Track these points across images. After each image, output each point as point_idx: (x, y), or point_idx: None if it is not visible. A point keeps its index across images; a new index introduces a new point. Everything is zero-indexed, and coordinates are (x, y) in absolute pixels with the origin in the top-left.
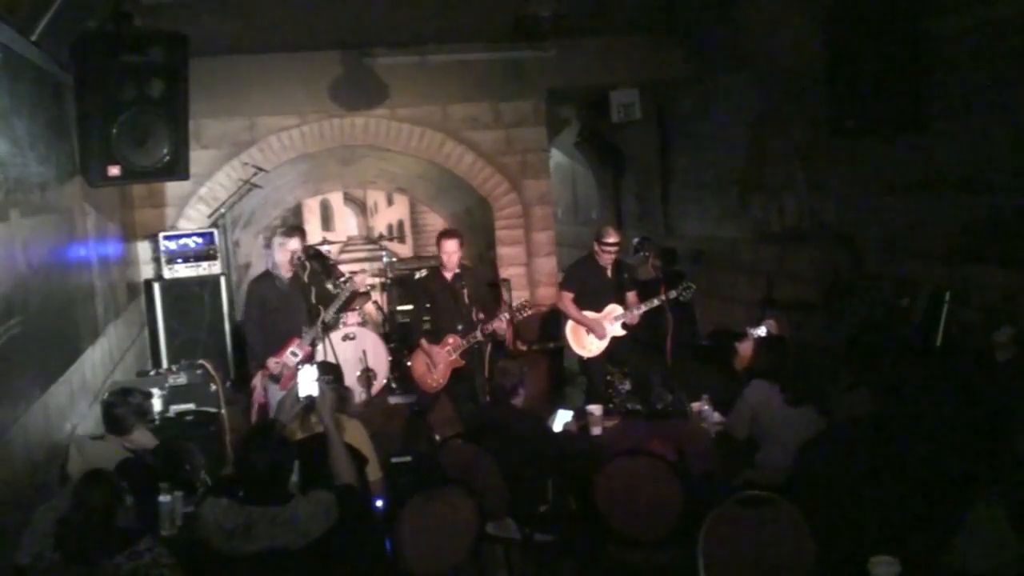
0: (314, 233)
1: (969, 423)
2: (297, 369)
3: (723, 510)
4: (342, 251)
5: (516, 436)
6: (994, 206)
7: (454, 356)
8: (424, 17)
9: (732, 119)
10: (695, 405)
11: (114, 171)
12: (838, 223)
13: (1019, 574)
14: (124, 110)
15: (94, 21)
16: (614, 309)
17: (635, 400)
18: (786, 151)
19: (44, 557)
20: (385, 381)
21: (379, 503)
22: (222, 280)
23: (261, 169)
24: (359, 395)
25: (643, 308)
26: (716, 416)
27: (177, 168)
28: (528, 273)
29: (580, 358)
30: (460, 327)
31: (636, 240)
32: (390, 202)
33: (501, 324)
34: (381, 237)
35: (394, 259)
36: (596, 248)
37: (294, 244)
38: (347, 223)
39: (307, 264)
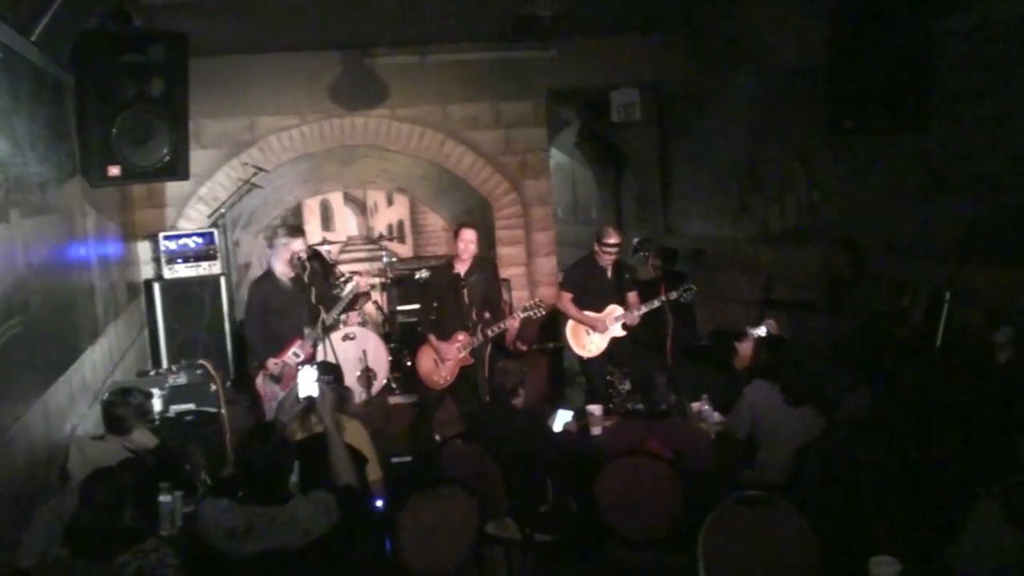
0: (314, 233)
1: (969, 423)
2: (298, 370)
3: (723, 510)
4: (342, 251)
5: (516, 436)
6: (994, 206)
7: (464, 353)
8: (424, 17)
9: (732, 119)
10: (695, 405)
11: (114, 171)
12: (838, 223)
13: (1019, 574)
14: (124, 110)
15: (94, 21)
16: (614, 310)
17: (635, 400)
18: (786, 151)
19: (50, 553)
20: (385, 381)
21: (379, 503)
22: (222, 280)
23: (261, 169)
24: (359, 395)
25: (643, 309)
26: (716, 416)
27: (177, 168)
28: (528, 273)
29: (580, 358)
30: (465, 325)
31: (636, 240)
32: (390, 202)
33: (515, 323)
34: (381, 237)
35: (394, 259)
36: (597, 248)
37: (298, 245)
38: (347, 223)
39: (307, 264)
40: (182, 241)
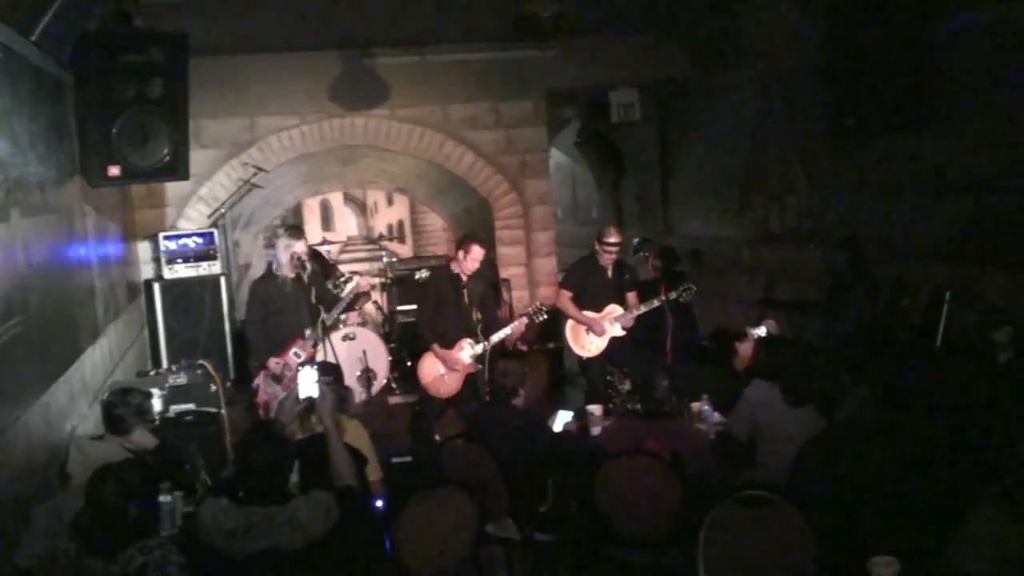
0: (314, 233)
1: (969, 423)
2: (299, 370)
3: (723, 510)
4: (342, 251)
5: (516, 436)
6: (994, 206)
7: (470, 360)
8: (424, 17)
9: (732, 119)
10: (695, 405)
11: (114, 171)
12: (838, 223)
13: (1019, 574)
14: (124, 110)
15: (94, 21)
16: (614, 309)
17: (635, 400)
18: (786, 151)
19: (58, 547)
20: (385, 381)
21: (379, 503)
22: (222, 280)
23: (261, 169)
24: (359, 395)
25: (642, 309)
26: (716, 416)
27: (177, 168)
28: (528, 273)
29: (580, 358)
30: (467, 330)
31: (636, 240)
32: (390, 202)
33: (520, 327)
34: (381, 237)
35: (394, 259)
36: (597, 248)
37: (299, 247)
38: (347, 223)
39: (307, 264)
40: (182, 241)
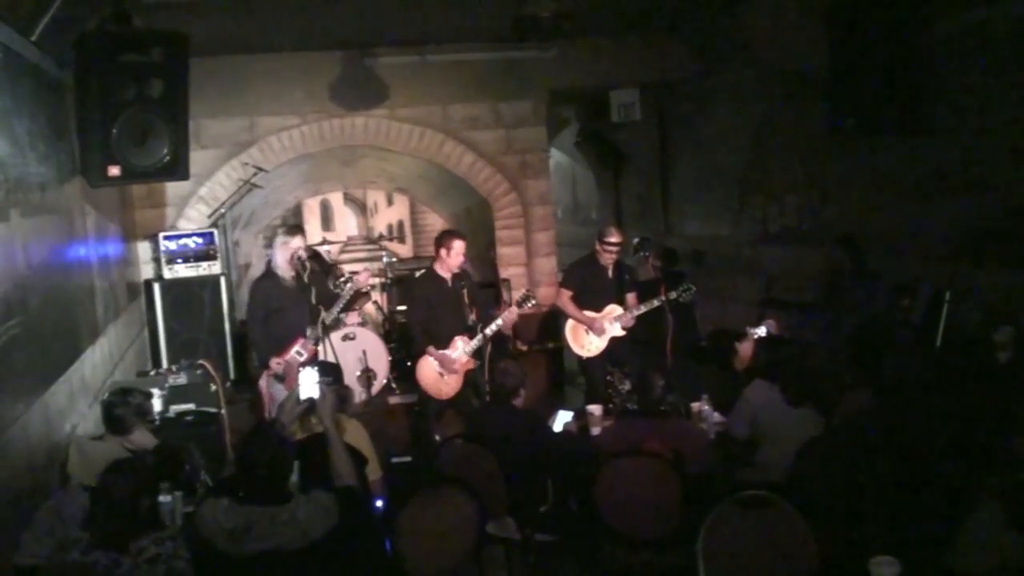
0: (314, 233)
1: (969, 423)
2: (301, 368)
3: (723, 510)
4: (342, 251)
5: (516, 436)
6: (994, 206)
7: (467, 357)
8: (424, 17)
9: (732, 119)
10: (695, 405)
11: (114, 171)
12: (838, 223)
13: (1019, 574)
14: (124, 110)
15: (94, 21)
16: (613, 309)
17: (635, 400)
18: (787, 151)
19: (68, 538)
20: (385, 381)
21: (379, 503)
22: (222, 280)
23: (261, 169)
24: (359, 395)
25: (642, 309)
26: (716, 416)
27: (177, 168)
28: (528, 273)
29: (579, 358)
30: (463, 329)
31: (636, 240)
32: (390, 202)
33: (511, 317)
34: (381, 237)
35: (394, 259)
36: (598, 247)
37: (296, 243)
38: (347, 223)
39: (307, 264)
40: (182, 241)
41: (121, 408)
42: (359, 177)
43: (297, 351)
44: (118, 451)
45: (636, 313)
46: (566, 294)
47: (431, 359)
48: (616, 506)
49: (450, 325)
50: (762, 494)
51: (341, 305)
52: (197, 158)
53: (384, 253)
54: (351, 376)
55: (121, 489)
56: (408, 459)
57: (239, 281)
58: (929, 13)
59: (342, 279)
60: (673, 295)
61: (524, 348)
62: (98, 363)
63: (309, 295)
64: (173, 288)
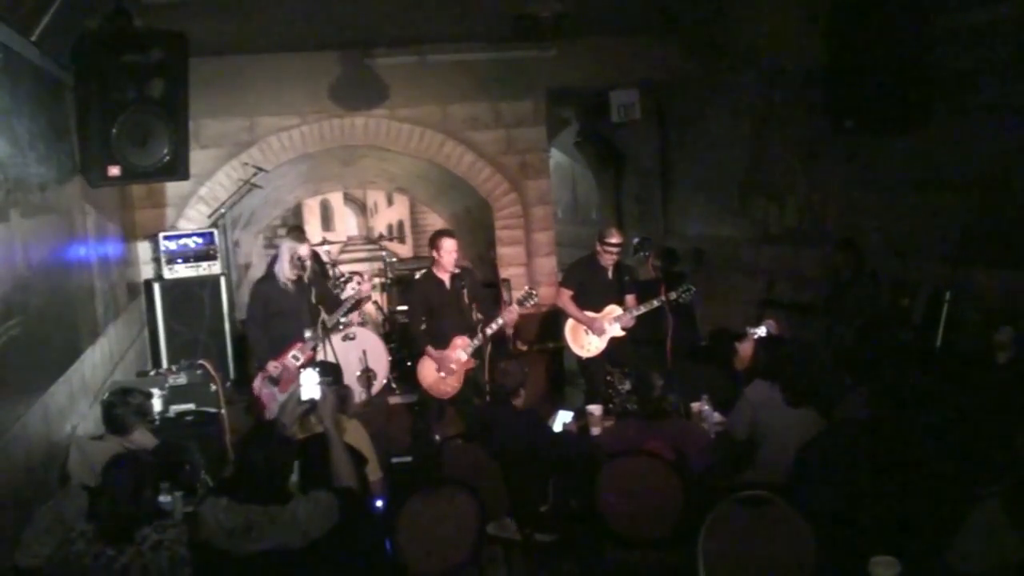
0: (314, 233)
1: (969, 423)
2: (298, 372)
3: (723, 510)
4: (342, 251)
5: (516, 436)
6: (994, 206)
7: (466, 357)
8: (424, 17)
9: (732, 119)
10: (695, 405)
11: (114, 171)
12: (838, 223)
13: (1019, 574)
14: (124, 110)
15: (94, 21)
16: (613, 310)
17: (635, 400)
18: (786, 151)
19: (75, 530)
20: (385, 381)
21: (379, 503)
22: (222, 280)
23: (261, 169)
24: (359, 395)
25: (641, 309)
26: (716, 416)
27: (177, 168)
28: (528, 273)
29: (579, 358)
30: (464, 328)
31: (636, 240)
32: (390, 202)
33: (512, 316)
34: (381, 237)
35: (394, 259)
36: (599, 248)
37: (303, 250)
38: (347, 223)
39: (307, 264)
40: (182, 241)
41: (121, 408)
42: (359, 177)
43: (294, 355)
44: (118, 451)
45: (636, 313)
46: (566, 293)
47: (430, 360)
48: (616, 506)
49: (449, 325)
50: (762, 494)
51: (343, 311)
52: (197, 158)
53: (384, 253)
54: (351, 376)
55: (123, 482)
56: (408, 459)
57: (239, 281)
58: (928, 12)
59: (342, 279)
60: (673, 295)
61: (524, 348)
62: (98, 363)
63: (309, 296)
64: (173, 288)
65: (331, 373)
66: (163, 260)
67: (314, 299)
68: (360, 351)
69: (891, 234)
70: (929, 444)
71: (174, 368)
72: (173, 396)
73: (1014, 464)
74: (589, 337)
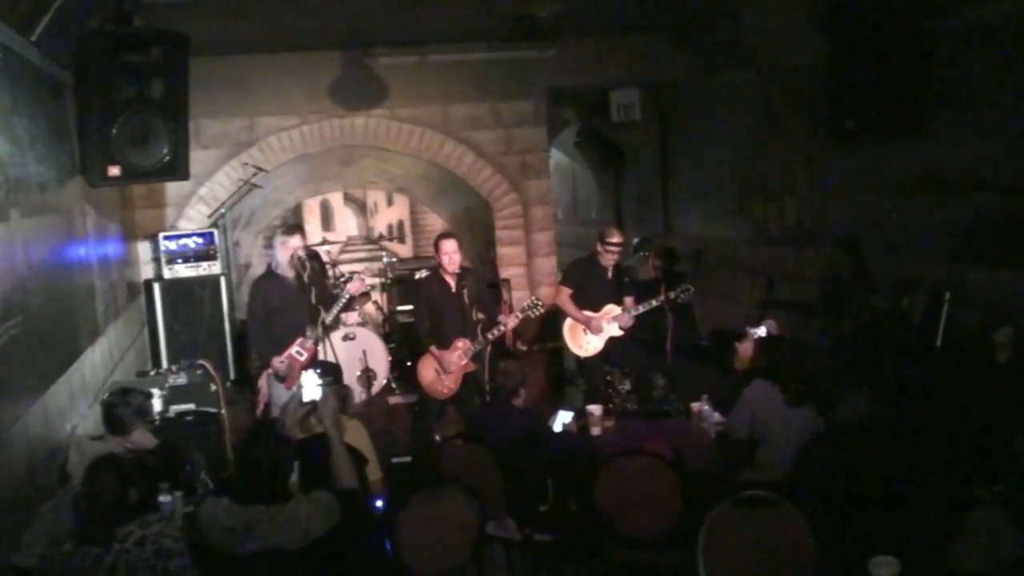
0: (314, 233)
1: (969, 423)
2: (303, 368)
3: (723, 510)
4: (342, 251)
5: (516, 436)
6: (994, 206)
7: (466, 360)
8: (424, 17)
9: (732, 119)
10: (695, 405)
11: (114, 171)
12: (838, 223)
13: (1019, 574)
14: (124, 110)
15: (94, 21)
16: (611, 309)
17: (635, 400)
18: (786, 151)
19: (66, 528)
20: (385, 381)
21: (379, 503)
22: (222, 280)
23: (261, 169)
24: (359, 395)
25: (640, 309)
26: (716, 416)
27: (177, 168)
28: (528, 273)
29: (577, 358)
30: (466, 330)
31: (636, 240)
32: (390, 202)
33: (514, 323)
34: (381, 237)
35: (394, 259)
36: (599, 248)
37: (295, 242)
38: (347, 223)
39: (307, 264)
40: (182, 241)
41: (121, 408)
42: (359, 177)
43: (297, 350)
44: (118, 451)
45: (634, 313)
46: (565, 292)
47: (431, 359)
48: (616, 506)
49: (451, 326)
50: (762, 494)
51: (340, 306)
52: (197, 158)
53: (384, 253)
54: (351, 376)
55: (106, 482)
56: (408, 459)
57: (239, 281)
58: (929, 13)
59: (342, 279)
60: (673, 295)
61: (524, 348)
62: (98, 363)
63: (309, 295)
64: (173, 288)
65: (331, 373)
66: (163, 260)
67: (314, 299)
68: (360, 351)
69: (891, 234)
70: (929, 444)
71: (174, 368)
72: (173, 396)
73: (1014, 464)
74: (587, 336)
